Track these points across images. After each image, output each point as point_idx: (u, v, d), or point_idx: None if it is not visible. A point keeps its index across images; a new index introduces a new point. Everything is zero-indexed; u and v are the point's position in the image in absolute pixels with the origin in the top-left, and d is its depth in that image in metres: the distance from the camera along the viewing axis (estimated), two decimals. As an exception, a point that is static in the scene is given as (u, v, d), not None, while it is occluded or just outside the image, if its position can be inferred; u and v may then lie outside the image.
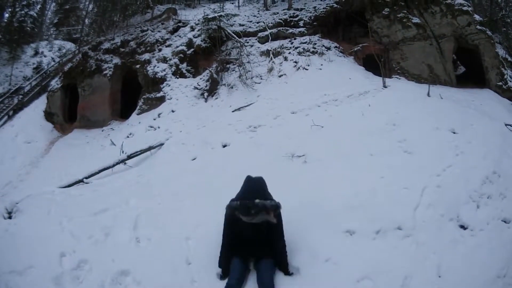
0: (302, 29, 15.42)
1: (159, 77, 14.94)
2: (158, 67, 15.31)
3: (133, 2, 21.73)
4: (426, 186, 5.72)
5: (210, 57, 15.04)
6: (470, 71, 15.64)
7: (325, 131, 8.11)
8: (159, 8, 20.16)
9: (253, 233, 4.44)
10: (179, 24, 17.46)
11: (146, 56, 16.06)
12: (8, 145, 15.33)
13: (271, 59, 13.83)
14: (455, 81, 13.43)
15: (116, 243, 5.29)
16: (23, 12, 27.68)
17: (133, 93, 16.14)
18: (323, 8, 15.91)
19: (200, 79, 14.33)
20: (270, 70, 13.21)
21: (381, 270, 4.27)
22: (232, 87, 13.05)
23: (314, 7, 16.18)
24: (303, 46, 14.22)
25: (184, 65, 15.24)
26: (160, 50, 16.13)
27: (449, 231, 4.96)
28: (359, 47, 14.69)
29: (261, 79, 12.94)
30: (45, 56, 26.73)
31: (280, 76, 12.77)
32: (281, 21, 16.09)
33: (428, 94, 10.07)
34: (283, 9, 17.02)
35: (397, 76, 13.29)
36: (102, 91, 16.44)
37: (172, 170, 7.94)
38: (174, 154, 9.20)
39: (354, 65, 13.74)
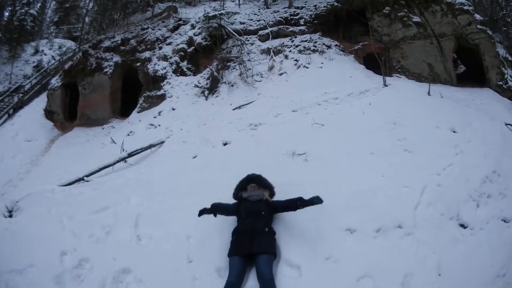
0: (302, 28, 15.39)
1: (160, 75, 14.94)
2: (158, 65, 15.31)
3: (134, 0, 21.74)
4: (426, 185, 5.73)
5: (211, 55, 15.03)
6: (470, 70, 15.63)
7: (326, 129, 8.11)
8: (159, 6, 20.14)
9: (252, 216, 4.83)
10: (179, 22, 17.44)
11: (147, 54, 16.05)
12: (9, 143, 15.33)
13: (272, 57, 13.82)
14: (455, 80, 13.41)
15: (117, 241, 5.30)
16: (23, 10, 27.67)
17: (133, 91, 16.14)
18: (324, 6, 15.87)
19: (201, 77, 14.32)
20: (271, 68, 13.20)
21: (382, 269, 4.29)
22: (232, 85, 13.04)
23: (315, 6, 16.14)
24: (304, 45, 14.21)
25: (185, 63, 15.23)
26: (160, 48, 16.11)
27: (449, 230, 4.98)
28: (359, 46, 14.66)
29: (261, 77, 12.93)
30: (45, 55, 26.77)
31: (280, 74, 12.76)
32: (281, 19, 16.03)
33: (429, 93, 10.07)
34: (284, 8, 16.97)
35: (398, 74, 13.28)
36: (102, 89, 16.42)
37: (172, 168, 7.93)
38: (174, 152, 9.22)
39: (355, 64, 13.73)
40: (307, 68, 12.77)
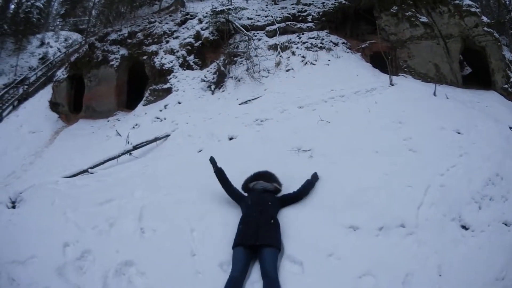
0: (310, 24, 15.41)
1: (166, 68, 14.99)
2: (165, 58, 15.36)
3: (141, -6, 21.71)
4: (429, 185, 5.71)
5: (218, 49, 15.07)
6: (476, 73, 15.59)
7: (332, 126, 8.09)
8: (166, 0, 20.12)
9: (259, 206, 4.95)
10: (187, 16, 17.45)
11: (154, 47, 16.09)
12: (13, 135, 15.44)
13: (279, 53, 13.85)
14: (461, 82, 13.39)
15: (121, 234, 5.27)
16: (29, 3, 27.82)
17: (139, 84, 16.21)
18: (332, 4, 15.88)
19: (207, 71, 14.37)
20: (278, 64, 13.22)
21: (383, 267, 4.29)
22: (239, 80, 13.07)
23: (323, 3, 16.14)
24: (311, 41, 14.23)
25: (192, 57, 15.28)
26: (167, 42, 16.16)
27: (451, 231, 4.96)
28: (366, 44, 14.66)
29: (268, 73, 12.96)
30: (51, 47, 26.87)
31: (287, 71, 12.79)
32: (289, 15, 16.05)
33: (434, 94, 10.07)
34: (292, 4, 16.97)
35: (404, 74, 13.26)
36: (108, 82, 16.52)
37: (178, 162, 7.93)
38: (180, 146, 9.22)
39: (361, 62, 13.74)
40: (314, 65, 12.79)
